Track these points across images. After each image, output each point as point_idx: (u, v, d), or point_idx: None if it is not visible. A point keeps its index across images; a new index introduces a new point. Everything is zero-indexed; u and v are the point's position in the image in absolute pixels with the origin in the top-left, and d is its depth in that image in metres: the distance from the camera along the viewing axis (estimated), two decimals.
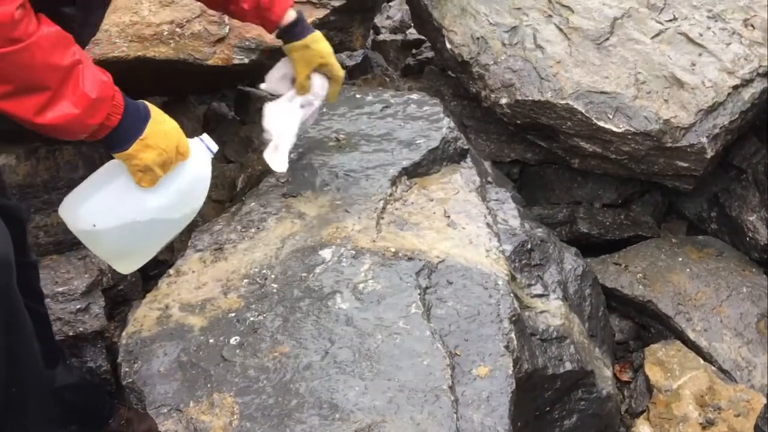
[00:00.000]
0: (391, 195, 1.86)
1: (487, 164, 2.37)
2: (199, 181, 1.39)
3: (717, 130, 2.19)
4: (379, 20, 4.04)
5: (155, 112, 1.29)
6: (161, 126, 1.28)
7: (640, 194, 2.70)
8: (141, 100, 1.29)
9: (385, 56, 3.40)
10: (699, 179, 2.33)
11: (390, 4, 4.24)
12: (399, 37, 3.60)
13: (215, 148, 1.41)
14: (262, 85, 1.83)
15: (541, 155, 2.68)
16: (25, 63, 1.07)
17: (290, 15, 1.69)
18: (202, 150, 1.39)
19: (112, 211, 1.32)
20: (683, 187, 2.35)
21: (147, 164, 1.26)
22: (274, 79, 1.80)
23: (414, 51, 3.37)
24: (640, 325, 2.35)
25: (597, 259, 2.48)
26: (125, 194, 1.31)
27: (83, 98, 1.13)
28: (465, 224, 1.81)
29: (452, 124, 2.13)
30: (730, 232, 2.45)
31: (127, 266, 1.46)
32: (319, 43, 1.73)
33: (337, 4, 2.28)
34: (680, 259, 2.34)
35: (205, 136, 1.41)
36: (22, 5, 1.06)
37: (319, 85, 1.77)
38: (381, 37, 3.67)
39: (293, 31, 1.70)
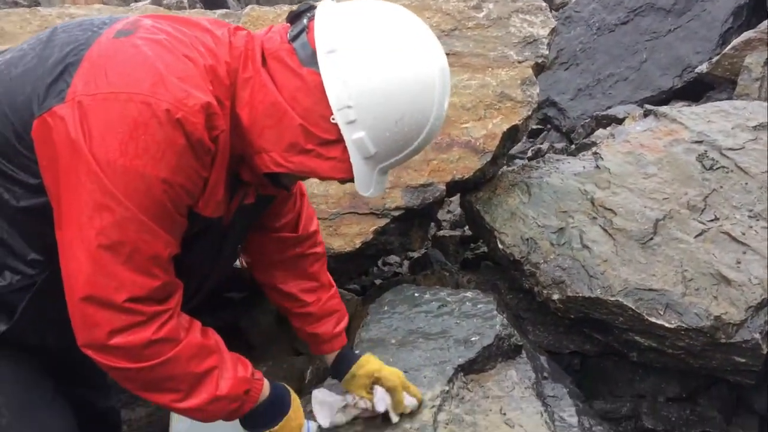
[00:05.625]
0: (447, 392, 1.93)
1: (543, 359, 2.44)
2: None
3: None
4: (440, 214, 4.33)
5: (294, 406, 1.51)
6: (291, 422, 1.49)
7: (705, 387, 2.65)
8: (288, 391, 1.52)
9: (445, 250, 3.62)
10: (760, 374, 2.30)
11: (450, 199, 4.59)
12: (458, 232, 3.85)
13: None
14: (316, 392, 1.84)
15: (600, 347, 2.71)
16: (161, 374, 1.24)
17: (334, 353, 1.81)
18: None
19: None
20: (745, 381, 2.33)
21: None
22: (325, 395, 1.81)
23: (472, 245, 3.60)
24: None
25: None
26: None
27: (212, 395, 1.29)
28: (522, 422, 1.86)
29: (505, 321, 2.25)
30: None
31: None
32: (365, 367, 1.75)
33: (396, 213, 2.55)
34: None
35: (314, 425, 1.62)
36: (164, 323, 1.22)
37: (379, 396, 1.74)
38: (441, 232, 3.93)
39: (338, 369, 1.79)
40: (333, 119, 1.20)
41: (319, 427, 1.69)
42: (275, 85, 1.22)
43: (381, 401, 1.72)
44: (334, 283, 1.85)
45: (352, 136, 1.21)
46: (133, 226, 1.15)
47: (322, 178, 1.31)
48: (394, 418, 1.74)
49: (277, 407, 1.47)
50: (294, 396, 1.54)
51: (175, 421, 1.60)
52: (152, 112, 1.11)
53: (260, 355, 2.76)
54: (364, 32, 1.21)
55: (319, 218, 2.47)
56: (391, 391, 1.73)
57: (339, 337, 1.81)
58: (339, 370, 1.78)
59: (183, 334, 1.26)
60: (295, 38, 1.24)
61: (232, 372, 1.33)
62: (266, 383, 1.44)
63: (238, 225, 1.46)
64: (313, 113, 1.21)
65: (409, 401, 1.76)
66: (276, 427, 1.46)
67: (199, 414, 1.31)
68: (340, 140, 1.22)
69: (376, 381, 1.74)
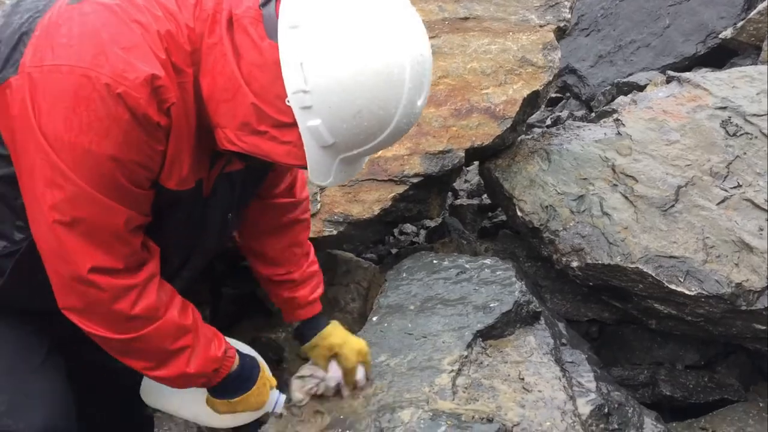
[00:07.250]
0: (466, 357, 1.95)
1: (561, 325, 2.44)
2: (249, 418, 1.69)
3: None
4: (457, 183, 4.31)
5: (259, 383, 1.58)
6: (251, 398, 1.57)
7: (724, 355, 2.64)
8: (258, 369, 1.59)
9: (462, 219, 3.62)
10: None
11: (467, 168, 4.56)
12: (475, 201, 3.84)
13: (278, 412, 1.71)
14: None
15: (618, 314, 2.71)
16: (134, 347, 1.30)
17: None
18: (271, 403, 1.67)
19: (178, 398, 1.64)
20: (765, 349, 2.32)
21: (221, 411, 1.59)
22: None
23: (490, 214, 3.59)
24: None
25: (683, 423, 2.41)
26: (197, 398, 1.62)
27: (181, 371, 1.36)
28: (540, 387, 1.87)
29: (524, 288, 2.25)
30: None
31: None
32: (327, 339, 1.75)
33: (415, 180, 2.54)
34: None
35: (282, 398, 1.70)
36: (138, 299, 1.25)
37: (333, 369, 1.76)
38: (458, 201, 3.92)
39: (304, 334, 1.79)
40: (288, 102, 1.09)
41: (288, 399, 1.75)
42: (236, 56, 1.12)
43: (333, 378, 1.75)
44: (312, 248, 1.84)
45: (306, 123, 1.10)
46: (85, 202, 1.13)
47: (279, 164, 1.18)
48: (345, 393, 1.77)
49: (241, 382, 1.54)
50: (263, 374, 1.61)
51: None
52: (93, 85, 1.06)
53: (277, 322, 2.79)
54: (333, 10, 1.07)
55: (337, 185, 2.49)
56: (345, 370, 1.74)
57: (314, 304, 1.79)
58: (304, 336, 1.78)
59: (162, 311, 1.29)
60: (265, 3, 1.13)
61: (204, 352, 1.39)
62: (236, 360, 1.50)
63: (221, 194, 1.40)
64: (268, 92, 1.10)
65: (360, 375, 1.77)
66: (236, 399, 1.55)
67: (168, 383, 1.40)
68: (297, 124, 1.11)
69: (335, 356, 1.74)
